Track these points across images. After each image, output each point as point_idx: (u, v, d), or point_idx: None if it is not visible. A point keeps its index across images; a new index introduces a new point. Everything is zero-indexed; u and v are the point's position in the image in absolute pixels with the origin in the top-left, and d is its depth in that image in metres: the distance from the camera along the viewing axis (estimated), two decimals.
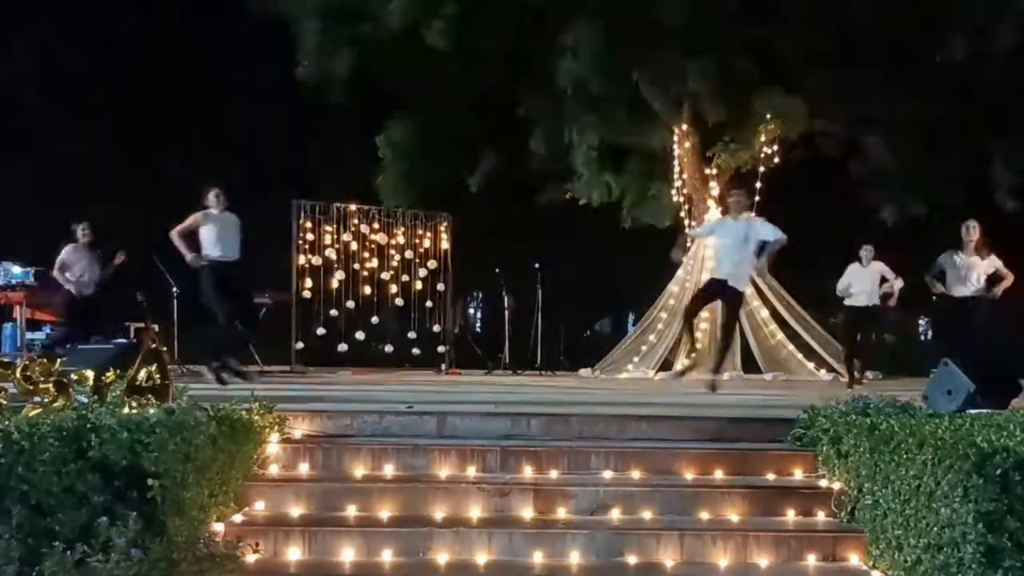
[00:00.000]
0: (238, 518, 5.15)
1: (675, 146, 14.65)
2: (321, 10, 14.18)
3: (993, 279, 9.08)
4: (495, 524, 5.17)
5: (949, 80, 13.49)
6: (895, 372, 14.04)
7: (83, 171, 17.73)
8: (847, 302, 11.09)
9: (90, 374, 5.25)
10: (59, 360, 5.48)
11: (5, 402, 5.16)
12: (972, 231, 9.05)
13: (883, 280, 11.05)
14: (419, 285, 13.69)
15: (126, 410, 4.87)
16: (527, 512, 5.32)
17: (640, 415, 6.52)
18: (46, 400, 5.19)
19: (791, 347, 12.78)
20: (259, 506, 5.35)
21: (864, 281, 10.98)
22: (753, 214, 9.21)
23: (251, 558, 4.76)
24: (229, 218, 9.42)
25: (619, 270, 19.46)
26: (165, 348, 8.45)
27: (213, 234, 9.21)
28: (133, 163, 17.79)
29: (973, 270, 9.18)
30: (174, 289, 13.27)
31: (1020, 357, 6.88)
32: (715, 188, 14.45)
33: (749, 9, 14.70)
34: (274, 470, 5.66)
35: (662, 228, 15.00)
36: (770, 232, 8.79)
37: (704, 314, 13.92)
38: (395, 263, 13.53)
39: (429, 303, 13.80)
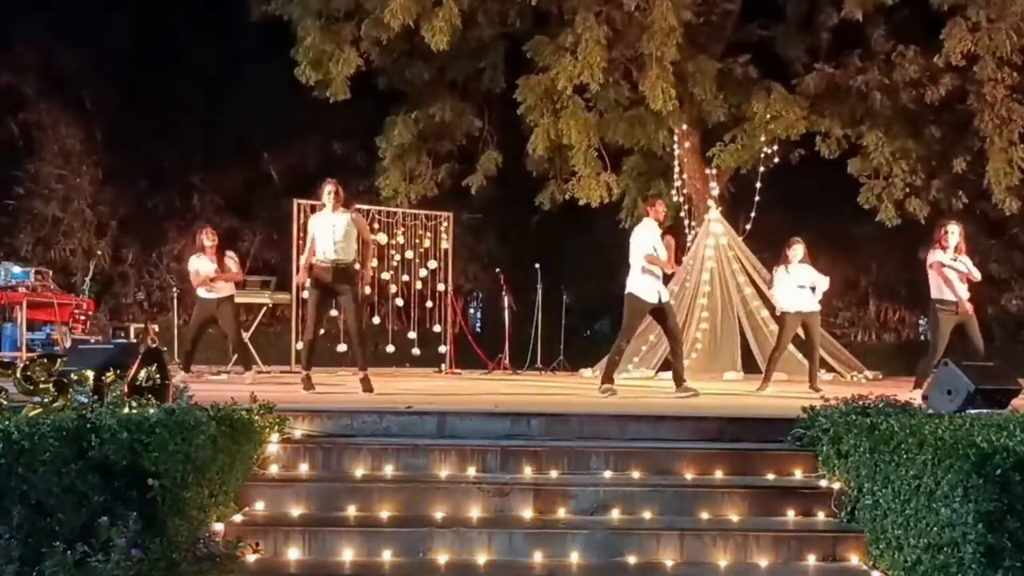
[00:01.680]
0: (238, 518, 5.15)
1: (675, 146, 14.64)
2: (321, 10, 14.17)
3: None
4: (495, 524, 5.18)
5: (948, 79, 13.48)
6: (895, 372, 14.04)
7: (83, 171, 17.75)
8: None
9: (90, 374, 5.25)
10: (59, 360, 5.48)
11: (5, 402, 5.16)
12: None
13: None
14: (419, 285, 13.68)
15: (126, 410, 4.87)
16: (527, 512, 5.32)
17: (640, 415, 6.52)
18: (46, 400, 5.19)
19: (791, 347, 12.75)
20: (259, 506, 5.35)
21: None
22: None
23: (251, 558, 4.77)
24: None
25: (619, 270, 19.44)
26: (165, 348, 8.46)
27: None
28: (133, 163, 17.80)
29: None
30: (175, 289, 13.28)
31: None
32: (715, 188, 14.44)
33: (749, 9, 14.73)
34: (274, 470, 5.67)
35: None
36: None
37: (704, 313, 13.94)
38: (395, 263, 13.51)
39: (429, 303, 13.79)
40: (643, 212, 8.92)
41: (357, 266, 8.67)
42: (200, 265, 9.97)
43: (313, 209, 12.94)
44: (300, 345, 12.61)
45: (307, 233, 9.03)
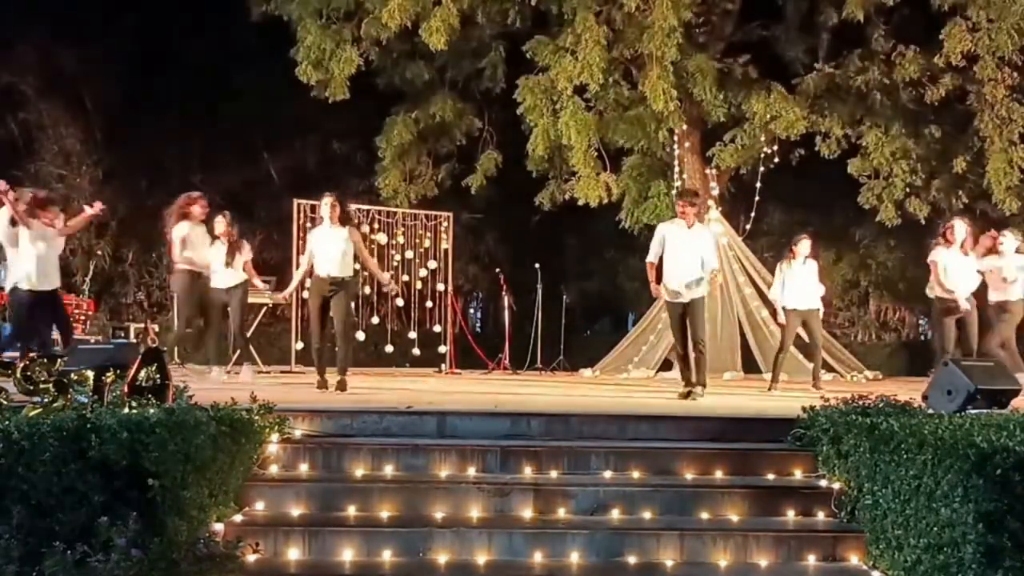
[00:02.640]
0: (238, 518, 5.16)
1: (675, 146, 14.64)
2: (321, 10, 14.18)
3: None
4: (495, 524, 5.18)
5: (948, 79, 13.47)
6: (895, 372, 14.05)
7: (83, 171, 17.75)
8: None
9: (90, 374, 5.25)
10: (59, 360, 5.48)
11: (5, 402, 5.16)
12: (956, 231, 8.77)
13: None
14: (419, 285, 13.68)
15: (126, 410, 4.88)
16: (527, 512, 5.32)
17: (640, 415, 6.52)
18: (46, 400, 5.18)
19: (792, 348, 12.76)
20: (259, 506, 5.35)
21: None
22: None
23: (251, 558, 4.77)
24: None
25: (619, 270, 19.49)
26: (165, 348, 8.45)
27: None
28: (133, 163, 17.80)
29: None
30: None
31: None
32: (715, 188, 14.44)
33: (749, 9, 14.73)
34: (274, 470, 5.66)
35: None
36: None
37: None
38: (395, 263, 13.51)
39: (429, 303, 13.79)
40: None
41: (355, 276, 8.74)
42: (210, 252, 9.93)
43: (313, 209, 13.04)
44: (300, 345, 12.67)
45: (306, 247, 9.03)
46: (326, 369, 8.75)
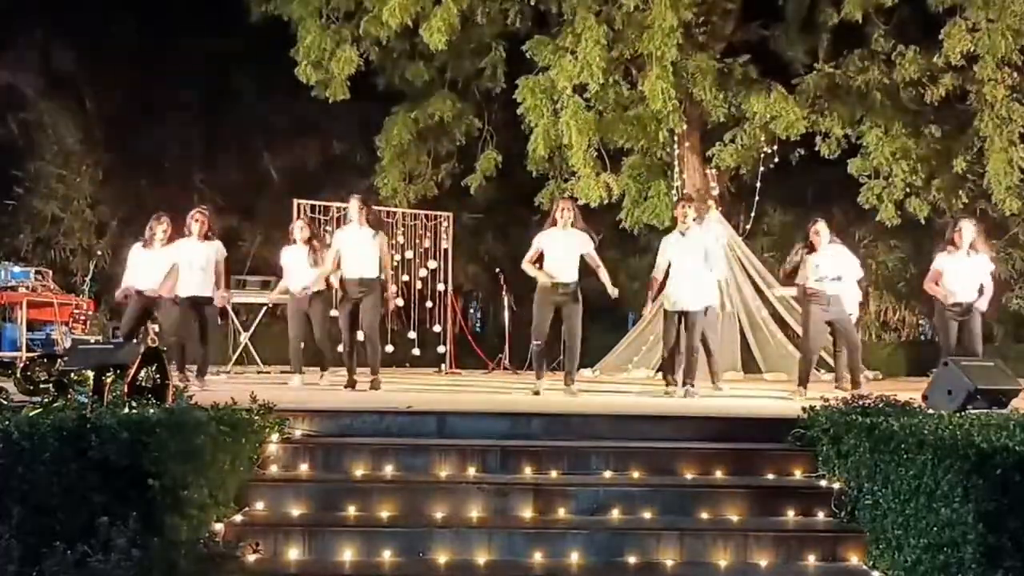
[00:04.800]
0: (238, 518, 5.16)
1: (675, 146, 14.64)
2: (321, 10, 14.18)
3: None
4: (495, 524, 5.18)
5: (948, 79, 13.47)
6: (895, 372, 14.04)
7: (83, 171, 17.74)
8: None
9: (90, 374, 5.25)
10: (59, 360, 5.48)
11: (5, 402, 5.16)
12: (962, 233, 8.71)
13: None
14: (419, 285, 13.68)
15: (126, 410, 4.88)
16: (527, 512, 5.33)
17: (640, 415, 6.52)
18: (46, 400, 5.19)
19: (791, 347, 12.75)
20: (259, 506, 5.35)
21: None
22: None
23: (251, 558, 4.77)
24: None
25: (619, 270, 19.49)
26: (165, 348, 8.45)
27: None
28: (133, 163, 17.80)
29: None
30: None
31: None
32: (715, 188, 14.43)
33: (749, 9, 14.73)
34: (274, 470, 5.67)
35: (662, 228, 15.01)
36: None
37: None
38: (395, 263, 13.50)
39: (429, 303, 13.79)
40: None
41: (382, 276, 8.79)
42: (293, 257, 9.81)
43: (313, 209, 13.08)
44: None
45: (332, 246, 9.08)
46: (355, 371, 8.94)
